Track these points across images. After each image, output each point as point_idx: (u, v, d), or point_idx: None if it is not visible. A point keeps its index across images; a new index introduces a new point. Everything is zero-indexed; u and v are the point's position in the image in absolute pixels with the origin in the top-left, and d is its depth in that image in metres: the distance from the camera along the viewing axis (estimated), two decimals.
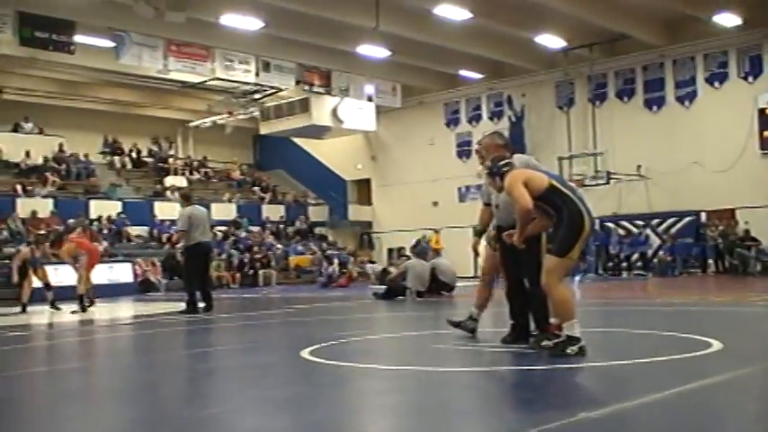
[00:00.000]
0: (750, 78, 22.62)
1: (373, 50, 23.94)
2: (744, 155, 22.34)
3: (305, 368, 6.22)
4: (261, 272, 25.90)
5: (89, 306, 14.34)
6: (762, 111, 22.17)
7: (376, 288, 18.43)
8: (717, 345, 6.35)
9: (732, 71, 22.97)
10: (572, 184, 6.44)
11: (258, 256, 26.49)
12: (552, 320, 6.44)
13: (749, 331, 8.37)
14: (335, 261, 25.06)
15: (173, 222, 26.85)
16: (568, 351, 5.84)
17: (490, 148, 6.83)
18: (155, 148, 31.34)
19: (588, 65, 25.03)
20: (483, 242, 7.42)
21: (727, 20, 21.51)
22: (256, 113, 29.76)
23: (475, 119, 28.60)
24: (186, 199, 13.18)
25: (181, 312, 12.35)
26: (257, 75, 24.07)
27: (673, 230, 23.57)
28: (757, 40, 22.31)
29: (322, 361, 6.40)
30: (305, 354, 6.76)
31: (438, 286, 15.38)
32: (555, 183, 6.06)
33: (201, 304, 12.50)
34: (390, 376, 5.94)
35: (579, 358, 5.82)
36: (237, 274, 25.34)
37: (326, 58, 25.07)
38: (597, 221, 21.97)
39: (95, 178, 27.69)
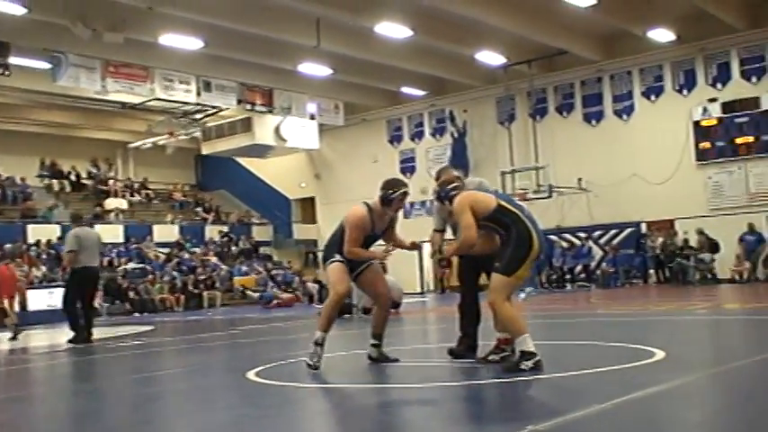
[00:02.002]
0: (685, 91, 23.21)
1: (315, 69, 23.92)
2: (680, 166, 22.87)
3: (250, 390, 6.12)
4: (205, 293, 25.53)
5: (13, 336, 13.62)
6: (696, 123, 22.75)
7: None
8: (659, 354, 6.44)
9: (667, 85, 23.54)
10: (522, 204, 6.47)
11: (202, 277, 26.13)
12: (498, 335, 6.46)
13: (690, 340, 8.53)
14: (279, 280, 24.89)
15: (114, 245, 26.43)
16: (522, 366, 5.82)
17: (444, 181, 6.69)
18: (94, 171, 30.74)
19: (528, 80, 25.41)
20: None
21: (661, 35, 22.06)
22: (198, 134, 29.44)
23: (418, 135, 28.78)
24: (75, 220, 12.27)
25: (70, 342, 11.53)
26: (198, 94, 23.82)
27: (614, 242, 23.98)
28: (691, 54, 22.93)
29: (268, 382, 6.32)
30: (251, 375, 6.67)
31: None
32: (502, 203, 6.11)
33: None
34: (337, 396, 5.88)
35: (529, 372, 5.83)
36: (181, 297, 24.94)
37: (268, 76, 24.96)
38: None
39: (32, 202, 27.02)
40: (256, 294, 24.90)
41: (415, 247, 6.97)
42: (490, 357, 6.42)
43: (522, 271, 5.97)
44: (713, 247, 21.73)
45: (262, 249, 31.01)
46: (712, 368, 6.04)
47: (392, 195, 6.56)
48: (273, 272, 27.15)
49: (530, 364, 5.80)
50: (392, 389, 5.94)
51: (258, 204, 32.96)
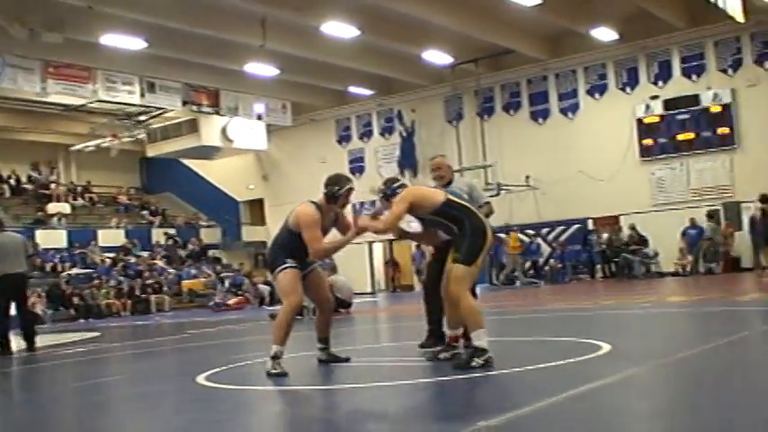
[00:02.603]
0: (628, 89, 23.62)
1: (261, 69, 23.75)
2: (625, 163, 23.26)
3: (200, 395, 6.03)
4: (153, 298, 25.16)
5: None
6: (639, 120, 23.16)
7: (272, 309, 18.18)
8: (606, 347, 6.53)
9: (611, 83, 23.93)
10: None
11: (149, 281, 25.74)
12: (448, 332, 6.48)
13: (635, 333, 8.68)
14: (227, 283, 24.66)
15: (57, 250, 25.88)
16: (473, 363, 5.83)
17: (444, 165, 7.34)
18: (35, 174, 30.06)
19: (475, 79, 25.58)
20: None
21: (604, 34, 22.41)
22: (142, 135, 29.00)
23: (366, 135, 28.77)
24: None
25: None
26: (142, 96, 23.44)
27: (562, 238, 24.29)
28: (633, 52, 23.34)
29: (218, 386, 6.24)
30: (200, 379, 6.58)
31: (335, 303, 15.26)
32: (451, 197, 6.17)
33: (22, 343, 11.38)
34: (288, 398, 5.84)
35: (474, 368, 5.85)
36: (128, 302, 24.53)
37: (214, 77, 24.70)
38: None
39: None
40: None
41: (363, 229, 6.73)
42: (441, 355, 6.44)
43: (480, 260, 6.05)
44: (644, 242, 22.20)
45: (210, 252, 30.67)
46: (658, 360, 6.14)
47: (339, 192, 6.52)
48: (223, 274, 26.88)
49: (480, 361, 5.82)
50: (343, 389, 5.91)
51: (206, 206, 32.60)
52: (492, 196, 23.64)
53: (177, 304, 25.70)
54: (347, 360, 6.86)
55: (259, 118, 27.40)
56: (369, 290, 27.46)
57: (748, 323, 8.94)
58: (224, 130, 27.63)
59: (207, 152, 28.87)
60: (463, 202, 6.22)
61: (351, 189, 6.57)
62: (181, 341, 12.28)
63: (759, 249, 20.56)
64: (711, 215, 21.81)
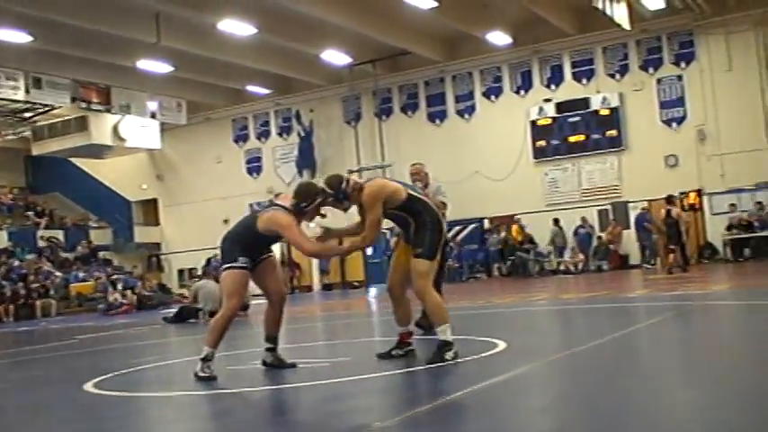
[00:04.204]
0: (522, 92, 24.20)
1: (155, 66, 23.14)
2: (519, 164, 23.82)
3: (88, 402, 5.79)
4: (38, 302, 24.10)
5: None
6: (533, 122, 23.76)
7: (165, 312, 17.73)
8: (502, 345, 6.63)
9: (506, 86, 24.46)
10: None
11: (35, 285, 24.64)
12: (400, 329, 6.41)
13: (530, 330, 8.85)
14: (120, 286, 23.89)
15: None
16: (447, 357, 5.80)
17: (422, 172, 8.27)
18: None
19: (373, 80, 25.67)
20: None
21: (499, 38, 22.87)
22: (27, 133, 27.79)
23: (264, 135, 28.45)
24: None
25: None
26: (27, 92, 22.40)
27: (459, 238, 24.61)
28: (527, 56, 23.92)
29: (107, 393, 6.00)
30: (88, 387, 6.31)
31: (207, 314, 15.02)
32: (411, 192, 6.11)
33: None
34: (183, 403, 5.66)
35: (373, 369, 5.83)
36: (11, 307, 23.42)
37: (105, 73, 23.89)
38: (388, 232, 22.56)
39: None
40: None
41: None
42: (394, 352, 6.35)
43: (438, 254, 6.03)
44: (532, 241, 22.86)
45: (101, 254, 29.64)
46: (551, 356, 6.27)
47: (305, 208, 6.09)
48: (114, 277, 25.99)
49: (452, 354, 5.81)
50: (239, 393, 5.77)
51: (96, 207, 31.45)
52: None
53: (65, 309, 24.73)
54: (293, 366, 6.39)
55: (153, 116, 26.66)
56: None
57: (636, 318, 9.26)
58: (116, 129, 26.77)
59: (97, 151, 27.91)
60: (421, 196, 6.17)
61: (321, 202, 6.11)
62: (68, 347, 11.78)
63: (647, 247, 21.48)
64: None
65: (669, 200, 17.70)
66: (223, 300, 6.31)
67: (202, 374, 6.03)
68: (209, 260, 24.89)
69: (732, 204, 21.25)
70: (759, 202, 20.93)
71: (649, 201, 21.68)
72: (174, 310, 16.41)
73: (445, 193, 8.37)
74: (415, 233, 6.02)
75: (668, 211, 17.36)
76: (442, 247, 6.19)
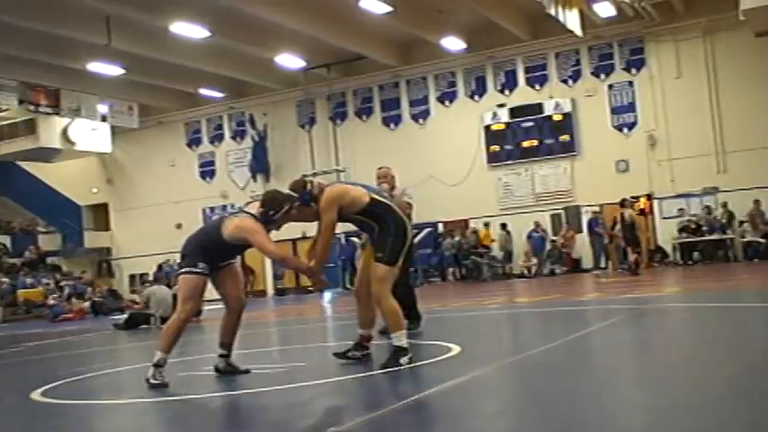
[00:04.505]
0: (476, 97, 24.35)
1: (106, 68, 22.78)
2: (473, 168, 23.95)
3: (35, 411, 5.64)
4: None
5: None
6: (487, 127, 23.92)
7: (116, 318, 17.44)
8: (456, 349, 6.63)
9: (460, 91, 24.59)
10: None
11: None
12: (361, 332, 6.36)
13: (484, 334, 8.88)
14: (68, 292, 23.44)
15: None
16: (402, 362, 5.76)
17: (389, 175, 8.53)
18: None
19: (327, 84, 25.62)
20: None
21: (453, 43, 22.99)
22: None
23: (217, 139, 28.19)
24: None
25: None
26: None
27: (413, 242, 24.65)
28: (481, 62, 24.09)
29: (56, 401, 5.86)
30: (35, 395, 6.16)
31: (158, 320, 14.89)
32: (374, 195, 6.04)
33: None
34: (133, 410, 5.54)
35: (328, 374, 5.78)
36: None
37: (54, 75, 23.43)
38: (343, 236, 22.53)
39: None
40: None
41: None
42: (350, 354, 6.29)
43: (401, 260, 5.97)
44: (486, 246, 23.12)
45: (49, 260, 29.05)
46: (505, 359, 6.29)
47: (273, 217, 5.99)
48: (63, 283, 25.50)
49: (406, 359, 5.77)
50: (188, 400, 5.67)
51: (45, 212, 30.82)
52: None
53: (11, 316, 24.18)
54: (247, 372, 6.27)
55: (103, 119, 26.24)
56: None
57: (589, 321, 9.34)
58: (65, 132, 26.32)
59: (46, 154, 27.40)
60: (385, 200, 6.12)
61: (289, 209, 5.99)
62: (14, 355, 11.50)
63: (599, 251, 21.77)
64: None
65: (623, 203, 17.99)
66: (178, 304, 6.19)
67: (154, 381, 5.90)
68: (160, 266, 24.58)
69: (680, 209, 21.66)
70: (707, 207, 21.35)
71: (601, 205, 21.99)
72: (124, 316, 16.14)
73: (411, 195, 8.69)
74: (378, 238, 5.98)
75: (622, 215, 17.65)
76: (407, 252, 6.15)
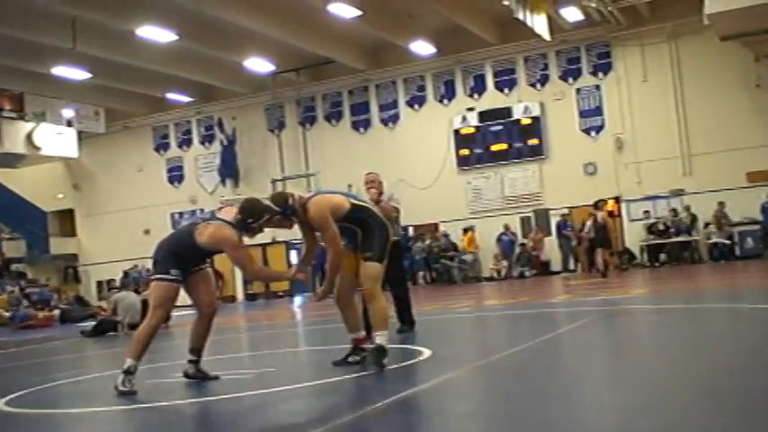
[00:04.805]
0: (445, 101, 24.42)
1: (71, 72, 22.49)
2: (443, 172, 24.00)
3: None
4: None
5: None
6: (456, 131, 24.00)
7: (83, 325, 17.21)
8: (427, 353, 6.63)
9: (429, 95, 24.64)
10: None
11: None
12: (352, 335, 6.33)
13: (455, 337, 8.90)
14: (34, 299, 23.09)
15: None
16: (384, 362, 5.81)
17: (377, 181, 8.56)
18: None
19: (296, 88, 25.55)
20: None
21: (422, 48, 23.04)
22: None
23: (185, 143, 27.98)
24: None
25: None
26: None
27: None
28: (450, 66, 24.17)
29: (20, 411, 5.76)
30: (0, 405, 6.03)
31: (126, 327, 14.77)
32: (353, 201, 6.11)
33: None
34: (101, 419, 5.46)
35: (297, 380, 5.74)
36: None
37: (18, 79, 23.12)
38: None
39: None
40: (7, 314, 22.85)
41: None
42: (350, 359, 6.27)
43: (386, 258, 6.04)
44: (455, 249, 23.24)
45: (14, 266, 28.60)
46: (476, 362, 6.30)
47: (252, 225, 5.93)
48: (28, 290, 25.11)
49: (387, 360, 5.83)
50: (156, 408, 5.60)
51: (9, 218, 30.31)
52: None
53: None
54: (216, 378, 6.24)
55: (69, 124, 25.93)
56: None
57: (558, 323, 9.40)
58: (30, 137, 25.91)
59: (10, 160, 26.98)
60: (363, 203, 6.22)
61: (268, 219, 5.96)
62: None
63: (568, 253, 21.93)
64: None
65: (596, 205, 18.16)
66: (149, 310, 6.11)
67: (123, 388, 5.83)
68: (125, 272, 24.34)
69: (646, 211, 21.87)
70: (673, 209, 21.59)
71: (570, 208, 22.16)
72: (92, 323, 15.93)
73: (399, 200, 8.91)
74: (363, 239, 6.06)
75: (595, 216, 17.81)
76: (399, 253, 6.33)
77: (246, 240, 6.15)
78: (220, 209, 6.28)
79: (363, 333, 6.39)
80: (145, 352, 6.00)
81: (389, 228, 6.23)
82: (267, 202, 6.04)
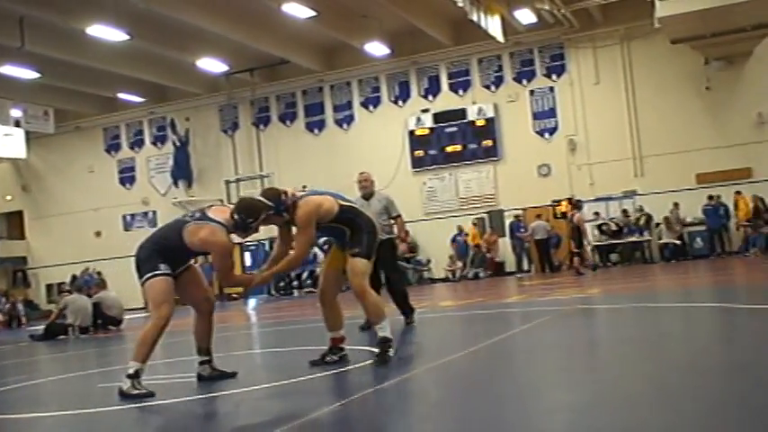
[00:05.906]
0: (400, 102, 24.49)
1: (19, 71, 22.03)
2: (398, 173, 24.03)
3: None
4: None
5: None
6: (411, 132, 24.07)
7: (33, 329, 16.87)
8: None
9: (384, 96, 24.68)
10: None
11: None
12: (331, 335, 6.28)
13: (409, 338, 8.89)
14: None
15: None
16: (390, 353, 5.90)
17: (369, 180, 9.04)
18: None
19: (250, 89, 25.38)
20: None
21: (377, 49, 23.04)
22: None
23: (137, 144, 27.62)
24: None
25: None
26: None
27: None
28: (404, 67, 24.24)
29: None
30: None
31: (105, 321, 14.59)
32: (341, 202, 6.12)
33: None
34: (50, 424, 5.35)
35: (257, 381, 5.69)
36: None
37: None
38: (267, 242, 22.30)
39: None
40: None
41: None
42: (328, 358, 6.22)
43: (374, 255, 6.12)
44: (414, 250, 23.45)
45: None
46: (431, 363, 6.32)
47: (251, 224, 5.79)
48: None
49: (393, 351, 5.95)
50: (111, 413, 5.50)
51: None
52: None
53: None
54: (234, 375, 6.06)
55: (17, 124, 25.37)
56: (142, 305, 26.30)
57: (512, 323, 9.47)
58: None
59: None
60: (349, 203, 6.24)
61: (266, 218, 5.85)
62: None
63: (522, 254, 22.14)
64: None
65: (577, 205, 18.42)
66: (151, 311, 5.84)
67: (134, 392, 5.54)
68: (74, 276, 23.95)
69: (596, 213, 22.10)
70: (624, 210, 21.91)
71: (523, 209, 22.36)
72: (41, 326, 15.61)
73: (397, 206, 9.51)
74: (351, 236, 6.10)
75: (571, 216, 18.01)
76: (394, 250, 6.42)
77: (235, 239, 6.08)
78: (210, 207, 6.10)
79: (342, 333, 6.38)
80: (151, 354, 5.75)
81: (377, 227, 6.32)
82: (261, 199, 5.95)
